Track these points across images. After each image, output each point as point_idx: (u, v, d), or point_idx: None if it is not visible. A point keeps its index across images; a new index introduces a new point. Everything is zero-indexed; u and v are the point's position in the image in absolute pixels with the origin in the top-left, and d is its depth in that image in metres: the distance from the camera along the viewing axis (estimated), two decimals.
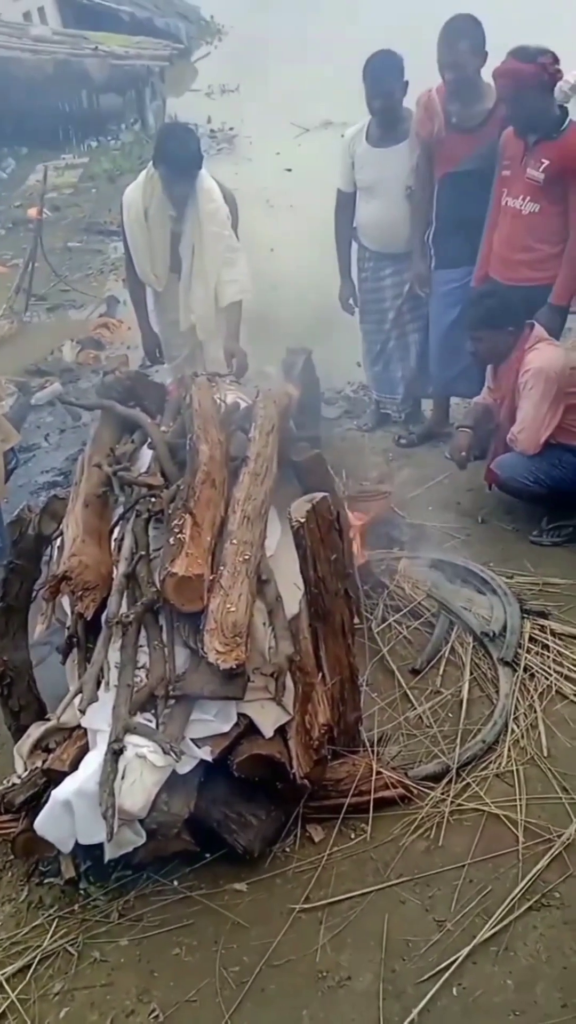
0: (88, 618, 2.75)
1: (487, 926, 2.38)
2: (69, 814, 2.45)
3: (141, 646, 2.66)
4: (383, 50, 4.29)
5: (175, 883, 2.59)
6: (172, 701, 2.55)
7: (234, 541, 2.78)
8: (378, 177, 4.49)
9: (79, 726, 2.65)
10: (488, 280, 4.22)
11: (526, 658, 3.22)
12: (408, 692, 3.19)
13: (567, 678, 3.15)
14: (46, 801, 2.50)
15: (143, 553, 2.81)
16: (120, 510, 3.07)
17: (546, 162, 3.87)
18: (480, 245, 4.25)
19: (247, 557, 2.74)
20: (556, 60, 3.75)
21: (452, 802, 2.73)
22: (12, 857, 2.70)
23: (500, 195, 4.09)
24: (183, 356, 4.45)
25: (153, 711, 2.55)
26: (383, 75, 4.25)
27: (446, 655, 3.34)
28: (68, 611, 2.88)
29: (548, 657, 3.23)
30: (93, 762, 2.48)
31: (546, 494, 3.93)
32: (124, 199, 4.30)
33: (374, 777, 2.72)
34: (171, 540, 2.71)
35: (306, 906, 2.49)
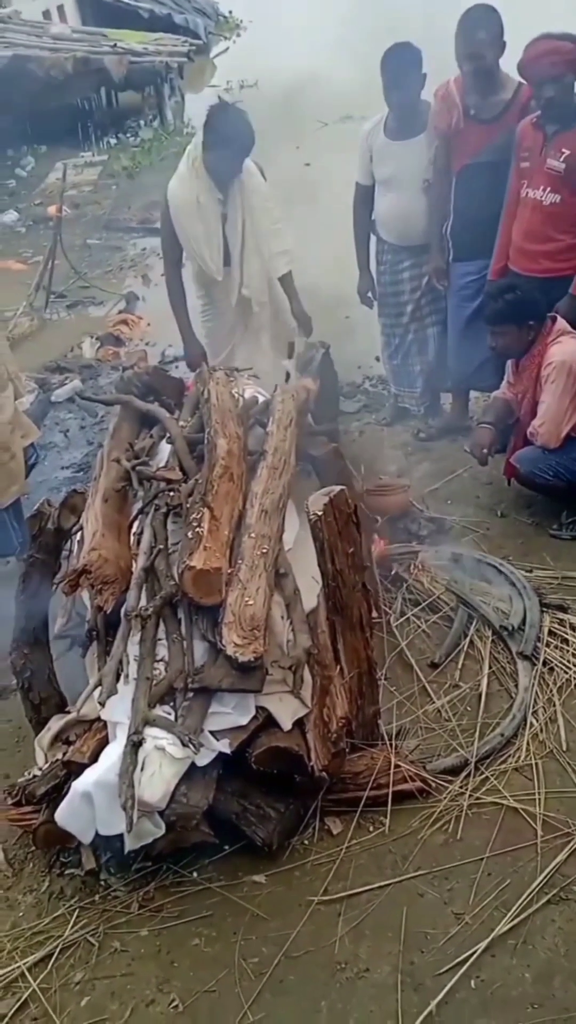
0: (107, 612, 2.77)
1: (505, 919, 2.38)
2: (89, 805, 2.47)
3: (160, 639, 2.68)
4: (400, 43, 4.27)
5: (194, 875, 2.60)
6: (191, 694, 2.56)
7: (252, 535, 2.79)
8: (396, 170, 4.47)
9: (99, 718, 2.67)
10: (507, 272, 4.19)
11: (545, 652, 3.21)
12: (427, 686, 3.19)
13: None
14: (66, 793, 2.53)
15: (162, 547, 2.83)
16: (139, 504, 3.09)
17: (566, 152, 3.84)
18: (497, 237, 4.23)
19: (265, 551, 2.75)
20: None
21: (470, 795, 2.72)
22: (33, 848, 2.73)
23: (519, 187, 4.06)
24: (223, 356, 4.43)
25: (172, 704, 2.57)
26: (401, 68, 4.23)
27: (465, 649, 3.33)
28: (88, 605, 2.91)
29: (567, 651, 3.22)
30: (113, 754, 2.50)
31: (566, 488, 3.90)
32: (170, 195, 4.19)
33: (392, 770, 2.72)
34: (189, 534, 2.72)
35: (325, 898, 2.50)
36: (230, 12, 20.12)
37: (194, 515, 2.78)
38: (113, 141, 13.36)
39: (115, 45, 13.50)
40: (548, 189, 3.94)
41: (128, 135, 13.60)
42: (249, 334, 4.43)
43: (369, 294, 4.83)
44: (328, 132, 10.86)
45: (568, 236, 3.99)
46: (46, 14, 15.32)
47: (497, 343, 3.94)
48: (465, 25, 4.00)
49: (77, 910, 2.55)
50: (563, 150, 3.85)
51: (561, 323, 3.84)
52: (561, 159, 3.85)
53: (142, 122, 14.13)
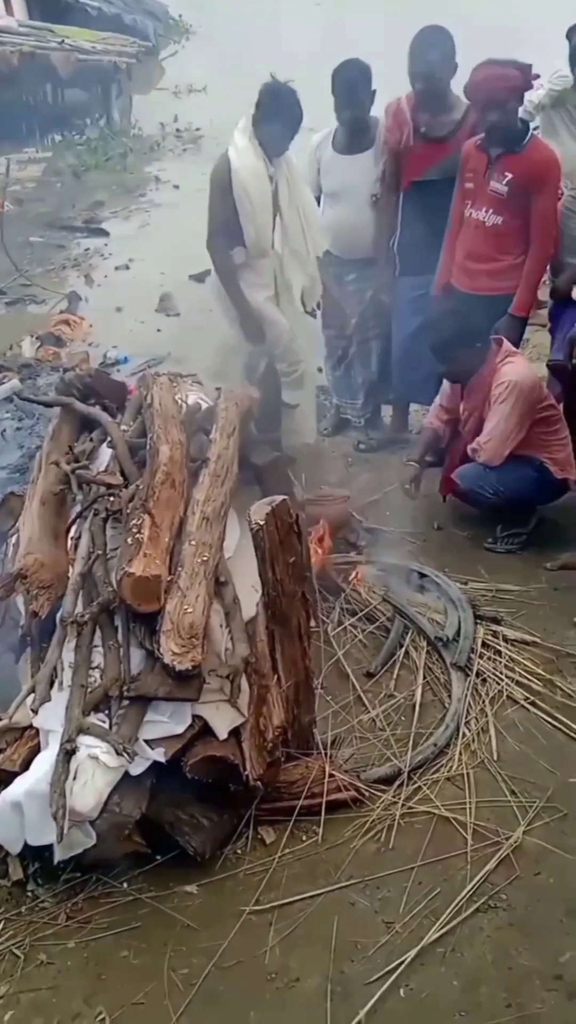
0: (43, 617, 2.73)
1: (435, 928, 2.40)
2: (19, 815, 2.42)
3: (96, 646, 2.64)
4: (351, 59, 4.32)
5: (125, 885, 2.56)
6: (126, 702, 2.53)
7: (193, 542, 2.78)
8: (343, 184, 4.52)
9: (31, 726, 2.61)
10: (448, 291, 4.26)
11: (478, 663, 3.27)
12: (362, 695, 3.21)
13: (518, 683, 3.20)
14: None
15: (100, 552, 2.80)
16: (78, 508, 3.05)
17: (509, 175, 3.93)
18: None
19: (205, 558, 2.74)
20: (531, 68, 3.84)
21: (403, 805, 2.75)
22: None
23: (462, 207, 4.14)
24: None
25: (107, 711, 2.54)
26: (352, 86, 4.28)
27: (400, 659, 3.37)
28: (22, 610, 2.85)
29: (500, 662, 3.28)
30: (45, 762, 2.45)
31: (503, 505, 3.98)
32: (234, 164, 4.11)
33: (327, 780, 2.73)
34: (129, 540, 2.70)
35: (256, 908, 2.49)
36: (180, 16, 20.07)
37: (134, 521, 2.75)
38: (58, 138, 13.20)
39: (63, 42, 13.35)
40: (491, 211, 4.03)
41: (74, 133, 13.45)
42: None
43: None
44: None
45: (509, 256, 4.08)
46: None
47: (449, 369, 3.97)
48: (417, 45, 4.08)
49: (3, 921, 2.48)
50: (506, 173, 3.94)
51: (507, 344, 3.91)
52: (504, 182, 3.94)
53: (88, 120, 13.99)
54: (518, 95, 3.87)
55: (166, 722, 2.53)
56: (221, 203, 4.20)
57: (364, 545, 3.98)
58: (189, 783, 2.52)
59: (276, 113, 4.05)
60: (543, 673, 3.24)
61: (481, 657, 3.30)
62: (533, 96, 5.93)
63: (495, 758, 2.91)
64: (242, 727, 2.61)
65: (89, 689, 2.52)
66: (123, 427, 3.36)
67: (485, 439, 3.87)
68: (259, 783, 2.57)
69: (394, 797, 2.77)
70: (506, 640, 3.38)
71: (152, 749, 2.49)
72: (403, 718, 3.11)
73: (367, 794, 2.77)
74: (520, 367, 3.84)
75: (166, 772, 2.52)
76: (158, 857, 2.60)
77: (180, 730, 2.53)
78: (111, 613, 2.69)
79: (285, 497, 2.71)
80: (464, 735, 2.99)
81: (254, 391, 3.92)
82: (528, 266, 4.04)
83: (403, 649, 3.40)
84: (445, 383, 4.14)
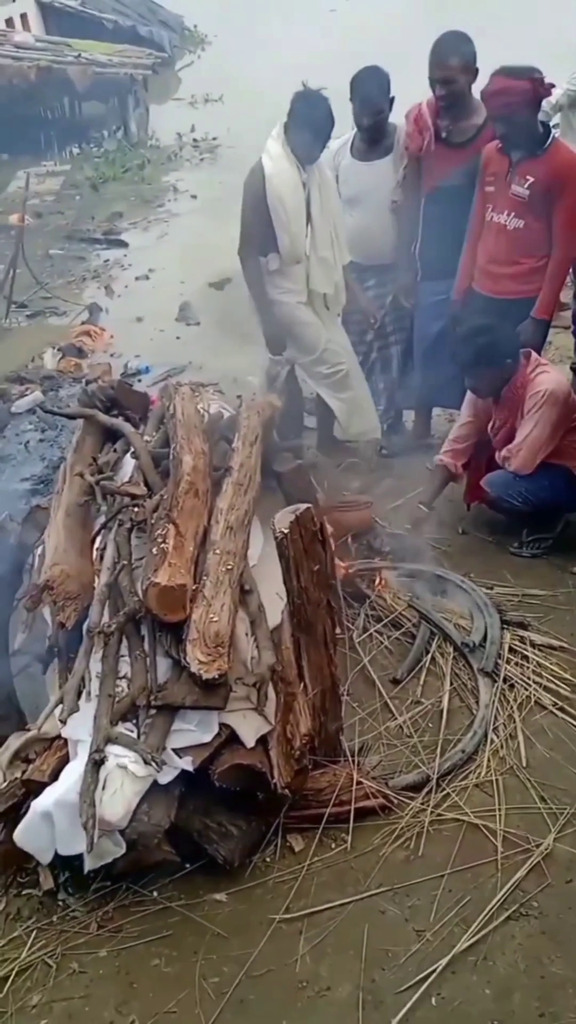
0: (69, 628, 2.74)
1: (466, 936, 2.39)
2: (49, 825, 2.44)
3: (123, 656, 2.66)
4: (370, 67, 4.32)
5: (155, 894, 2.58)
6: (153, 711, 2.55)
7: (217, 551, 2.79)
8: (362, 190, 4.52)
9: (60, 736, 2.63)
10: (468, 296, 4.25)
11: (506, 669, 3.25)
12: (389, 702, 3.21)
13: (546, 688, 3.18)
14: (26, 812, 2.49)
15: (126, 563, 2.81)
16: (102, 519, 3.07)
17: (531, 179, 3.91)
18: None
19: (230, 567, 2.75)
20: (544, 78, 3.82)
21: (432, 812, 2.74)
22: None
23: (484, 210, 4.13)
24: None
25: (134, 721, 2.55)
26: (372, 93, 4.28)
27: (427, 665, 3.35)
28: (49, 621, 2.87)
29: (527, 668, 3.26)
30: (74, 772, 2.47)
31: (530, 512, 3.95)
32: (268, 171, 4.13)
33: (355, 787, 2.73)
34: (154, 550, 2.71)
35: (286, 916, 2.49)
36: (195, 26, 20.17)
37: (159, 531, 2.77)
38: (76, 151, 13.31)
39: (79, 55, 13.45)
40: (512, 214, 4.01)
41: (91, 145, 13.55)
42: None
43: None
44: None
45: (531, 260, 4.06)
46: (9, 22, 15.16)
47: (478, 385, 3.93)
48: (438, 50, 4.07)
49: (34, 931, 2.51)
50: (527, 177, 3.91)
51: (535, 356, 3.88)
52: (525, 186, 3.92)
53: (105, 133, 14.09)
54: (530, 106, 3.83)
55: (193, 731, 2.54)
56: (254, 210, 4.22)
57: (388, 551, 3.97)
58: (217, 791, 2.54)
59: (308, 120, 4.07)
60: (571, 678, 3.22)
61: (508, 663, 3.28)
62: (551, 96, 5.92)
63: (524, 764, 2.89)
64: (269, 735, 2.62)
65: (117, 699, 2.54)
66: (146, 438, 3.38)
67: (517, 447, 3.84)
68: (287, 791, 2.57)
69: (423, 804, 2.77)
70: (533, 645, 3.36)
71: (180, 758, 2.50)
72: (430, 725, 3.10)
73: (395, 801, 2.77)
74: (555, 376, 3.83)
75: (194, 781, 2.53)
76: (187, 865, 2.61)
77: (207, 739, 2.54)
78: (137, 623, 2.70)
79: (309, 505, 2.72)
80: (492, 741, 2.98)
81: (276, 399, 3.93)
82: (551, 269, 4.01)
83: (429, 655, 3.39)
84: (464, 411, 4.11)
